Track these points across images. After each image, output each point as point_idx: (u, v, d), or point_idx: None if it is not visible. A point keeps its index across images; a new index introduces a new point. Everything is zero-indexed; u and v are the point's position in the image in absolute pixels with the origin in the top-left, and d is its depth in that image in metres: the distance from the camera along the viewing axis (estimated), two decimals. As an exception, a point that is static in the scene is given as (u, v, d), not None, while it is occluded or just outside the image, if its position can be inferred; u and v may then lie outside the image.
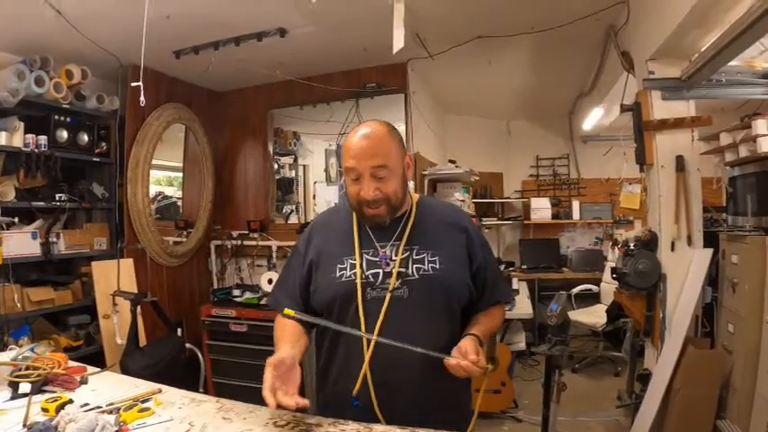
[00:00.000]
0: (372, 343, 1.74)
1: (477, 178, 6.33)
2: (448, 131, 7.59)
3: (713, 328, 3.87)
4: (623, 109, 3.99)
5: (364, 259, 1.86)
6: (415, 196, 2.03)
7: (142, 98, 2.65)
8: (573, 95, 6.89)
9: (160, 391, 1.98)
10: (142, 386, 2.06)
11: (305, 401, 1.56)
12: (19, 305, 4.05)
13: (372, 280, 1.83)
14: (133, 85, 2.71)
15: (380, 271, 1.83)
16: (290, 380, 1.64)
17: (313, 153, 6.86)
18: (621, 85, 4.40)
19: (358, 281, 1.82)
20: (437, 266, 1.83)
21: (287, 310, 1.75)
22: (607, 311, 5.80)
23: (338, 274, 1.86)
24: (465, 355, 1.62)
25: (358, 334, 1.74)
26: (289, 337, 1.85)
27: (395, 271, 1.82)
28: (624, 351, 4.88)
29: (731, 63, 3.41)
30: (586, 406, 4.90)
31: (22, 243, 4.12)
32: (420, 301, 1.80)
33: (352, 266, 1.85)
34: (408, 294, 1.80)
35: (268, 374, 1.59)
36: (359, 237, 1.91)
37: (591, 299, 6.69)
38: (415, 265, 1.83)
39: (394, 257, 1.84)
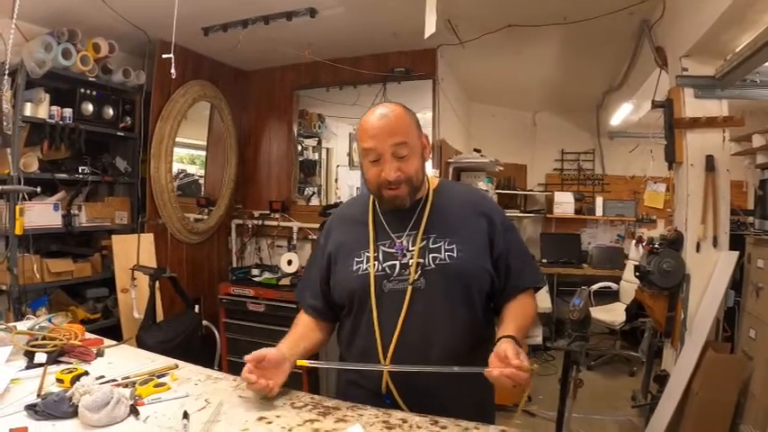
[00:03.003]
0: (390, 354, 1.74)
1: (501, 169, 6.28)
2: (474, 120, 7.56)
3: (734, 332, 3.82)
4: (655, 105, 3.94)
5: (380, 251, 1.83)
6: (434, 181, 1.98)
7: (173, 70, 2.64)
8: (602, 90, 6.81)
9: (177, 366, 1.99)
10: (158, 361, 2.07)
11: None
12: (38, 276, 4.09)
13: (389, 272, 1.80)
14: (164, 56, 2.70)
15: (397, 262, 1.80)
16: (274, 375, 1.69)
17: (337, 136, 6.88)
18: (652, 82, 4.36)
19: (371, 273, 1.80)
20: (454, 255, 1.78)
21: (299, 361, 1.75)
22: (626, 310, 5.75)
23: (355, 268, 1.85)
24: (505, 361, 1.50)
25: (374, 368, 1.73)
26: (293, 335, 1.89)
27: (413, 262, 1.78)
28: (641, 351, 4.84)
29: (767, 64, 3.34)
30: (600, 404, 4.86)
31: (43, 214, 4.16)
32: (438, 292, 1.76)
33: (369, 259, 1.83)
34: (425, 285, 1.76)
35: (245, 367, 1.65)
36: (374, 228, 1.89)
37: (610, 296, 6.63)
38: (431, 255, 1.79)
39: (411, 248, 1.81)
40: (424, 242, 1.80)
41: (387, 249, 1.83)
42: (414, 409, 1.68)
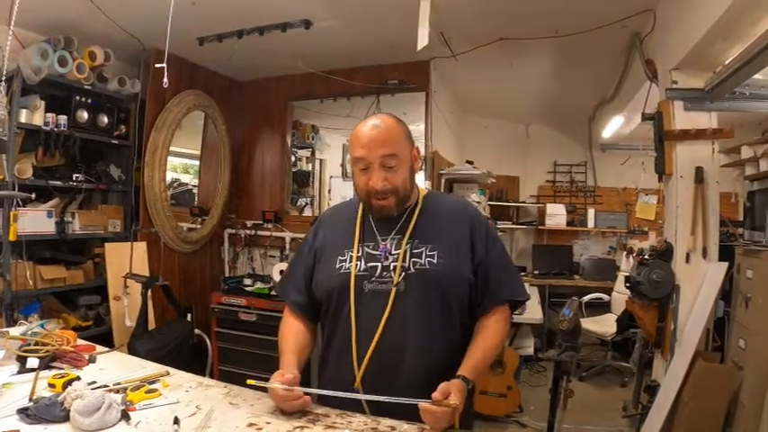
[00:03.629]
0: (369, 355, 1.78)
1: (494, 180, 6.31)
2: (466, 132, 7.58)
3: (724, 342, 3.84)
4: (645, 117, 3.97)
5: (364, 252, 1.88)
6: (424, 190, 2.03)
7: (165, 79, 2.66)
8: (594, 102, 6.84)
9: (168, 373, 2.00)
10: (150, 368, 2.09)
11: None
12: (31, 282, 4.08)
13: (370, 273, 1.84)
14: (157, 66, 2.73)
15: (379, 264, 1.85)
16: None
17: (330, 147, 6.92)
18: (643, 94, 4.38)
19: (352, 273, 1.84)
20: (434, 261, 1.82)
21: (249, 381, 1.76)
22: (617, 321, 5.77)
23: (338, 266, 1.89)
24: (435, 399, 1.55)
25: (344, 395, 1.70)
26: (293, 347, 1.90)
27: (395, 265, 1.82)
28: (632, 362, 4.85)
29: (755, 76, 3.39)
30: (591, 415, 4.86)
31: (37, 221, 4.16)
32: (415, 296, 1.80)
33: (352, 259, 1.88)
34: (404, 288, 1.80)
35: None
36: (361, 229, 1.93)
37: (601, 308, 6.65)
38: (412, 259, 1.83)
39: (394, 251, 1.85)
40: (407, 246, 1.84)
41: (370, 251, 1.88)
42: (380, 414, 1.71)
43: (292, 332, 1.97)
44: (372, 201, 1.84)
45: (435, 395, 1.53)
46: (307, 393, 1.69)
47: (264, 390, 1.71)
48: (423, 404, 1.53)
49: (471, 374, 1.69)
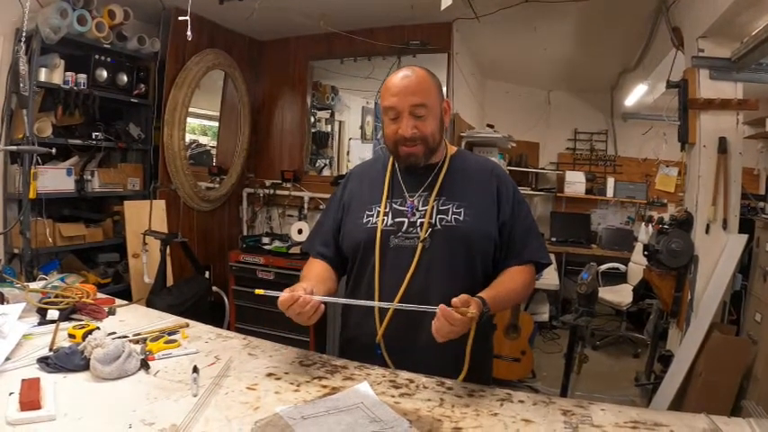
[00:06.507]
0: (390, 311, 1.80)
1: (514, 145, 6.27)
2: (488, 96, 7.52)
3: (740, 316, 3.82)
4: (670, 85, 3.91)
5: (391, 207, 1.89)
6: (452, 148, 2.03)
7: (189, 32, 2.64)
8: (617, 70, 6.76)
9: (187, 325, 2.03)
10: (169, 320, 2.12)
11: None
12: (50, 240, 4.13)
13: (396, 228, 1.85)
14: (180, 18, 2.70)
15: (406, 220, 1.86)
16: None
17: (350, 109, 6.88)
18: (668, 63, 4.33)
19: (379, 228, 1.86)
20: (460, 218, 1.83)
21: (257, 291, 1.78)
22: (634, 290, 5.76)
23: (365, 221, 1.91)
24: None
25: (372, 304, 1.77)
26: (315, 276, 1.91)
27: (422, 221, 1.84)
28: (647, 332, 4.85)
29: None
30: (603, 384, 4.88)
31: (56, 179, 4.18)
32: (440, 252, 1.82)
33: (379, 214, 1.89)
34: (430, 244, 1.81)
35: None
36: (389, 185, 1.94)
37: (617, 278, 6.63)
38: (439, 216, 1.85)
39: (421, 208, 1.86)
40: (435, 203, 1.86)
41: (398, 207, 1.89)
42: (399, 367, 1.74)
43: (314, 271, 1.97)
44: (400, 148, 1.85)
45: (455, 301, 1.52)
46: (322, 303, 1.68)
47: (284, 343, 1.73)
48: (442, 306, 1.51)
49: (491, 301, 1.65)
